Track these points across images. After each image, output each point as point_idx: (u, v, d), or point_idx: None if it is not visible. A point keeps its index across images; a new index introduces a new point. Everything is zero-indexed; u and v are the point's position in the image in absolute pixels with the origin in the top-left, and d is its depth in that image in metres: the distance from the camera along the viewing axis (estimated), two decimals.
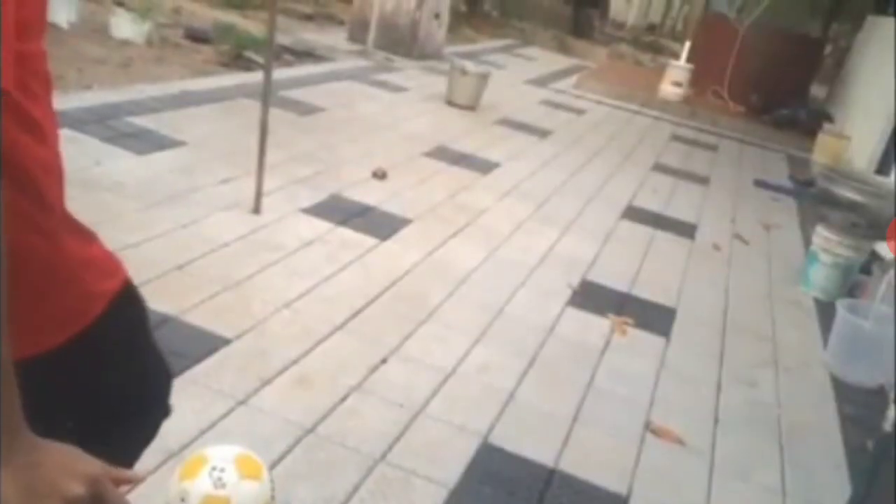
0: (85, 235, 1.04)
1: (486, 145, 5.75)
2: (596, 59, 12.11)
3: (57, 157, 0.96)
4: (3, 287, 0.75)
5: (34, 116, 0.91)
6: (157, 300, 2.70)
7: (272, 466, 2.10)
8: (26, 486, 0.79)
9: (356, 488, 2.10)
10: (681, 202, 5.47)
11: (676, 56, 9.96)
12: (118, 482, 0.86)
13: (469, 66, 6.86)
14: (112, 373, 1.12)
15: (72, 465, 0.82)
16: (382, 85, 6.95)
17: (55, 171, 0.96)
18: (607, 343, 3.22)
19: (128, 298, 1.11)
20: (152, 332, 1.22)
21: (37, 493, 0.80)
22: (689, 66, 9.17)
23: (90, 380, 1.07)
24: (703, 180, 6.23)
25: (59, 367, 1.01)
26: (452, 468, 2.26)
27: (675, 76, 9.14)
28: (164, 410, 1.25)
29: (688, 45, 9.61)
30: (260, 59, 6.15)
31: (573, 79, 9.56)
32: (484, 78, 6.79)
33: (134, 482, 0.88)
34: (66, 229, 0.99)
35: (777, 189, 6.43)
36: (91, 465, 0.84)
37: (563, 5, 16.39)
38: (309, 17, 9.61)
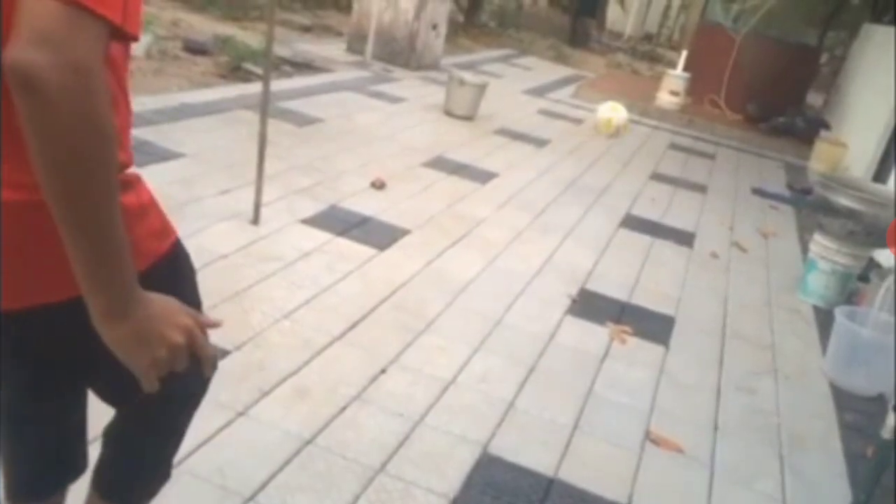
0: (142, 196, 1.15)
1: (484, 155, 5.76)
2: (593, 69, 12.15)
3: (122, 126, 1.07)
4: (113, 168, 0.88)
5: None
6: None
7: (272, 477, 2.10)
8: (140, 336, 0.95)
9: (356, 499, 2.10)
10: (679, 210, 5.49)
11: (673, 65, 9.99)
12: (204, 327, 1.04)
13: (467, 76, 6.88)
14: None
15: (174, 316, 0.99)
16: (381, 95, 6.97)
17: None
18: (606, 352, 3.22)
19: (174, 260, 1.21)
20: (197, 292, 1.35)
21: (147, 341, 0.96)
22: (686, 74, 9.20)
23: None
24: (701, 188, 6.25)
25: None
26: (452, 478, 2.26)
27: (673, 85, 9.17)
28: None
29: (684, 54, 9.65)
30: (258, 71, 6.17)
31: (571, 88, 9.59)
32: (482, 88, 6.81)
33: (217, 326, 1.08)
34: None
35: (775, 197, 6.45)
36: (187, 315, 1.01)
37: (560, 15, 16.48)
38: (307, 29, 9.64)
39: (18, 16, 0.82)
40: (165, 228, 1.21)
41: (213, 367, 1.06)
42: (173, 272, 1.22)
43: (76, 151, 0.84)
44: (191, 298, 1.29)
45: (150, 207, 1.17)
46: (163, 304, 0.99)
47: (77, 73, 0.81)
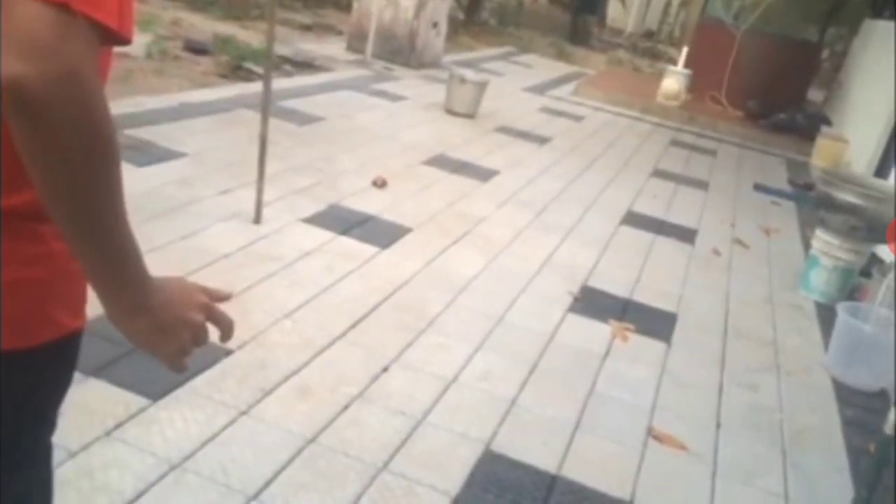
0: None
1: (485, 153, 5.76)
2: (594, 66, 12.14)
3: None
4: (117, 167, 0.84)
5: None
6: None
7: (275, 476, 2.10)
8: (162, 325, 0.94)
9: (359, 497, 2.10)
10: (680, 207, 5.48)
11: (674, 62, 9.98)
12: (216, 300, 1.03)
13: (468, 74, 6.88)
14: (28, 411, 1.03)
15: (189, 297, 0.98)
16: (381, 94, 6.97)
17: None
18: (608, 349, 3.22)
19: (76, 346, 1.04)
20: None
21: (171, 328, 0.95)
22: (687, 71, 9.19)
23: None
24: (702, 185, 6.24)
25: None
26: (455, 476, 2.26)
27: (674, 83, 9.15)
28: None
29: (685, 50, 9.64)
30: (259, 70, 6.17)
31: (571, 86, 9.59)
32: (482, 86, 6.81)
33: (227, 299, 1.05)
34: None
35: (776, 193, 6.44)
36: (200, 293, 1.00)
37: (560, 13, 16.46)
38: (308, 28, 9.64)
39: (4, 23, 0.75)
40: (83, 307, 1.03)
41: (231, 333, 1.06)
42: (73, 357, 1.05)
43: (77, 165, 0.80)
44: (59, 398, 1.09)
45: (80, 274, 0.96)
46: (175, 285, 0.98)
47: (71, 84, 0.76)
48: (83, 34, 0.78)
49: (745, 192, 6.33)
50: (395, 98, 6.94)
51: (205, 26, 8.18)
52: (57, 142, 0.78)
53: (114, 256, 0.88)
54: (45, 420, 1.09)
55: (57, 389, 1.06)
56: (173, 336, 0.95)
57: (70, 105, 0.77)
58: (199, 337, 0.99)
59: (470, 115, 6.72)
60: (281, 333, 2.81)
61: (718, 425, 2.84)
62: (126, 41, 0.84)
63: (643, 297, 3.82)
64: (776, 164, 7.75)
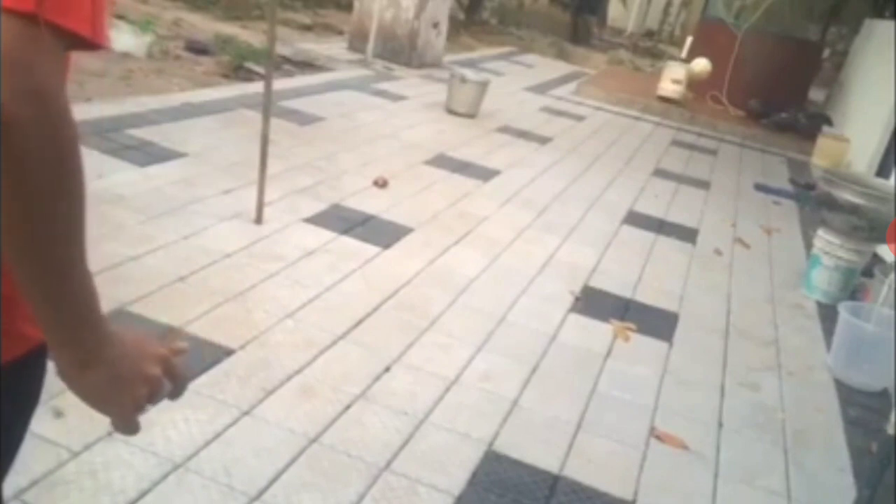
0: None
1: (486, 153, 5.76)
2: (595, 66, 12.14)
3: None
4: (84, 199, 0.78)
5: None
6: (159, 312, 2.71)
7: (277, 476, 2.10)
8: (118, 378, 0.86)
9: (361, 497, 2.10)
10: (682, 207, 5.48)
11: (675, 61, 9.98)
12: (174, 355, 0.95)
13: (468, 74, 6.88)
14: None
15: (146, 349, 0.91)
16: (382, 94, 6.97)
17: None
18: (610, 349, 3.22)
19: (43, 361, 0.97)
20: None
21: (127, 381, 0.87)
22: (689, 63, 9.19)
23: None
24: (703, 185, 6.24)
25: None
26: (457, 476, 2.26)
27: (675, 74, 9.14)
28: None
29: (689, 39, 9.61)
30: (260, 70, 6.18)
31: (572, 85, 9.58)
32: (483, 86, 6.81)
33: (184, 352, 0.99)
34: None
35: (777, 193, 6.44)
36: (157, 345, 0.93)
37: (561, 13, 16.44)
38: (308, 28, 9.64)
39: None
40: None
41: (183, 391, 0.98)
42: (42, 369, 0.99)
43: (39, 188, 0.73)
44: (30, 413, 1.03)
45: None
46: (133, 336, 0.91)
47: (39, 101, 0.70)
48: (52, 47, 0.72)
49: (746, 192, 6.32)
50: (396, 98, 6.94)
51: (205, 26, 8.18)
52: (19, 163, 0.71)
53: (71, 299, 0.81)
54: (18, 437, 1.02)
55: (28, 403, 0.99)
56: (129, 392, 0.87)
57: (36, 124, 0.70)
58: (156, 393, 0.91)
59: (471, 115, 6.72)
60: (283, 333, 2.81)
61: (720, 425, 2.84)
62: (100, 46, 0.78)
63: (644, 296, 3.82)
64: (777, 164, 7.75)
